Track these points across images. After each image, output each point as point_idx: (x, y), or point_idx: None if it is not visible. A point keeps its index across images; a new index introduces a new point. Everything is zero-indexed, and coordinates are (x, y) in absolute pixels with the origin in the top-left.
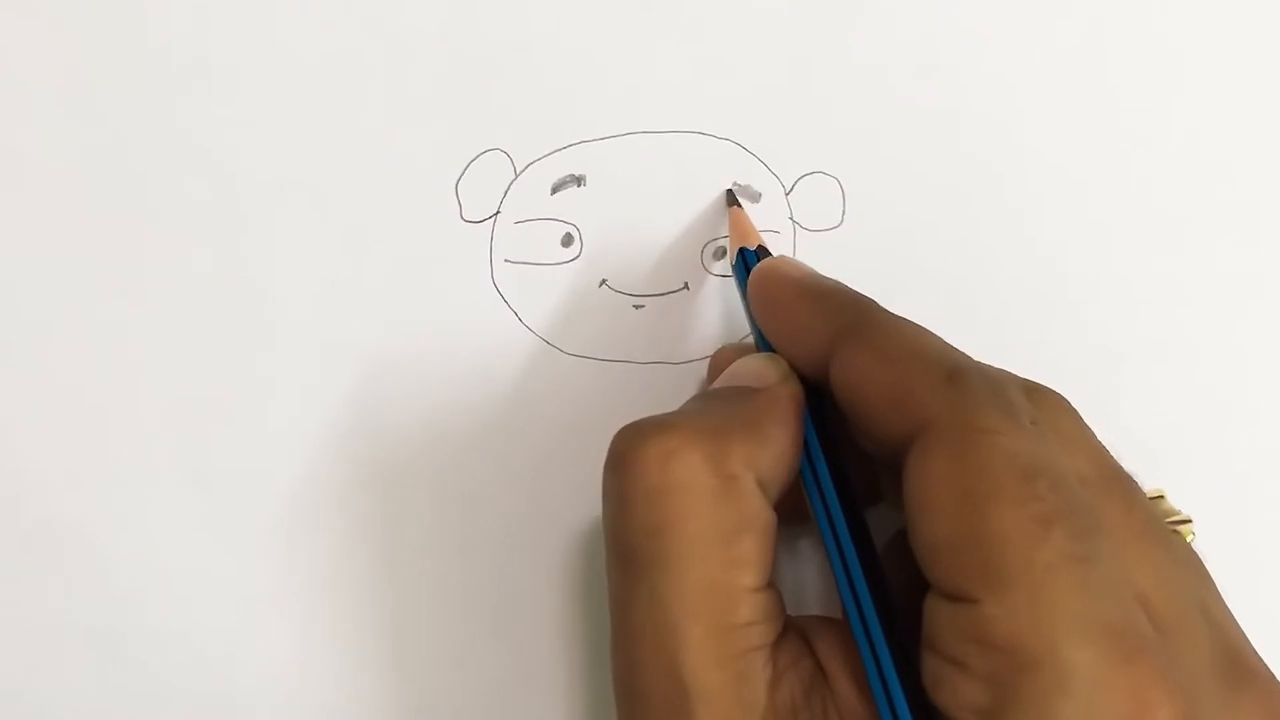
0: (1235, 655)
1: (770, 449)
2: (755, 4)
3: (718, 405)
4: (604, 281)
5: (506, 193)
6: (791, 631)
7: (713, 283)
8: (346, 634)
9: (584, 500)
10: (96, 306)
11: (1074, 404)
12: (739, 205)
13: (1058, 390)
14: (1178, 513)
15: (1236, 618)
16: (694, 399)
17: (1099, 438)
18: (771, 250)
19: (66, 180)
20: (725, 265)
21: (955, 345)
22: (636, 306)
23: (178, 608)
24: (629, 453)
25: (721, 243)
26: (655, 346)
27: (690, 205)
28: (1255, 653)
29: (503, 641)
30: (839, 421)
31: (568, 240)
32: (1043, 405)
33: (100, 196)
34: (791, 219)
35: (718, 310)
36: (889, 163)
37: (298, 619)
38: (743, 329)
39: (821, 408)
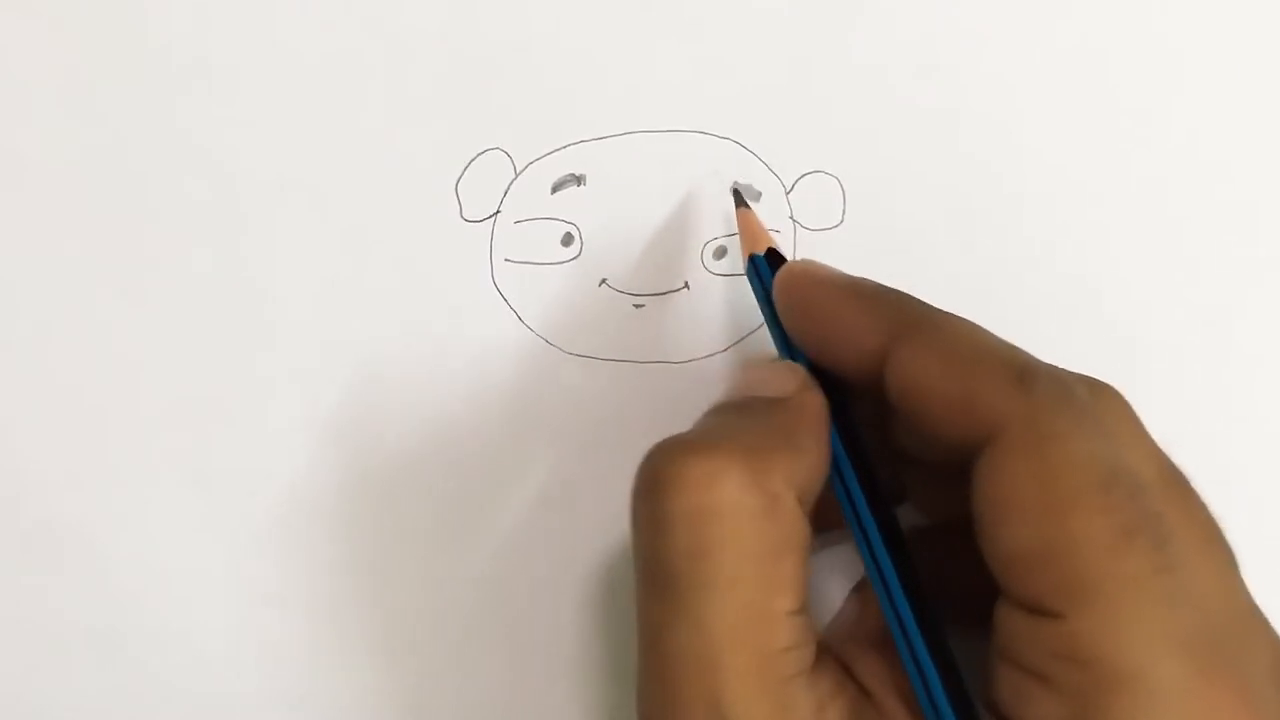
0: None
1: (806, 463)
2: (755, 4)
3: (750, 420)
4: (604, 281)
5: (506, 192)
6: (826, 655)
7: (713, 282)
8: (346, 634)
9: (584, 499)
10: (96, 306)
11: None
12: (747, 206)
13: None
14: None
15: None
16: (716, 412)
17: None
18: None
19: (66, 180)
20: (726, 264)
21: None
22: (636, 306)
23: (178, 608)
24: (668, 474)
25: (722, 242)
26: (655, 346)
27: (691, 205)
28: None
29: (506, 642)
30: (860, 426)
31: (568, 240)
32: (1103, 402)
33: (100, 196)
34: (792, 218)
35: (718, 310)
36: (889, 163)
37: (298, 619)
38: (744, 329)
39: (841, 413)
